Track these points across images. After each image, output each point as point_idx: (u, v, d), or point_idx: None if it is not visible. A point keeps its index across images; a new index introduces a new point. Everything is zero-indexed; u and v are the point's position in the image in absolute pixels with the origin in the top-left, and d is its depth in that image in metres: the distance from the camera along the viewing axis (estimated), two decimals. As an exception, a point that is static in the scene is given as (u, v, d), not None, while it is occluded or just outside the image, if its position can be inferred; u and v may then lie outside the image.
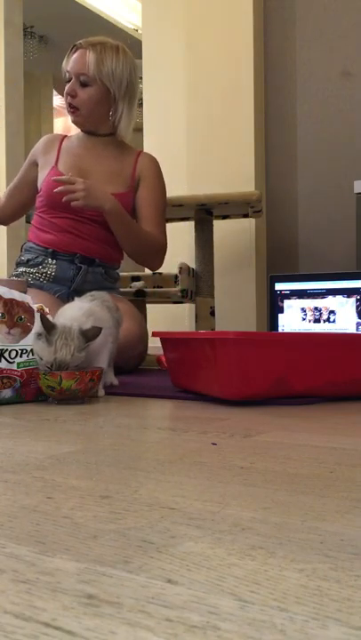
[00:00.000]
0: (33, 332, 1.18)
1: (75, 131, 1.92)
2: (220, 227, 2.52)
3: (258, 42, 2.63)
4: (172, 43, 2.75)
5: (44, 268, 1.82)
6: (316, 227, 2.59)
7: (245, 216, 2.41)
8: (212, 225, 2.37)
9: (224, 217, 2.45)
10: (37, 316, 1.20)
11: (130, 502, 0.48)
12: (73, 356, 1.10)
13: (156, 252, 1.84)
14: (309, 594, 0.31)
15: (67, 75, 1.78)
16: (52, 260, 1.81)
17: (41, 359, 1.11)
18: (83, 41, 1.77)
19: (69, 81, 1.77)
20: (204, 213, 2.33)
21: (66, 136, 1.93)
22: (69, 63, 1.77)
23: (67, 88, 1.77)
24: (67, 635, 0.27)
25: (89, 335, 1.12)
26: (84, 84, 1.76)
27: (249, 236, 2.59)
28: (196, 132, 2.68)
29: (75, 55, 1.77)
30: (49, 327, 1.10)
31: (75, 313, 1.18)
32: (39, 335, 1.11)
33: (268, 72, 2.68)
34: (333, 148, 2.55)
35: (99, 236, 1.82)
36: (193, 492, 0.51)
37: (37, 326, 1.17)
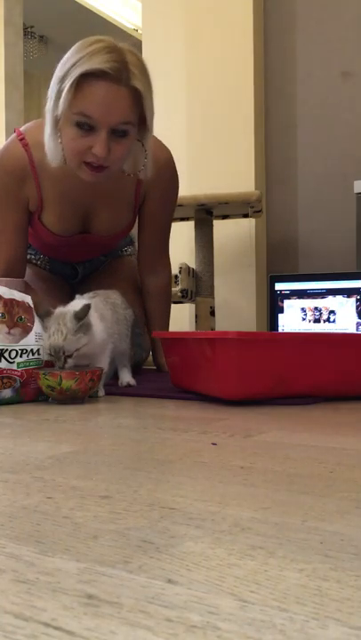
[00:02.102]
0: (33, 331, 1.18)
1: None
2: (220, 227, 2.52)
3: (258, 42, 2.63)
4: (172, 43, 2.75)
5: (36, 260, 1.65)
6: (316, 227, 2.59)
7: (245, 216, 2.41)
8: (211, 225, 2.37)
9: (224, 217, 2.45)
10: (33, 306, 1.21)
11: (130, 502, 0.48)
12: (66, 339, 1.09)
13: (170, 286, 1.72)
14: (309, 594, 0.31)
15: (83, 119, 1.20)
16: (45, 257, 1.63)
17: (44, 347, 1.13)
18: (109, 68, 1.17)
19: (88, 129, 1.21)
20: (203, 213, 2.33)
21: (31, 157, 1.37)
22: (91, 103, 1.18)
23: (94, 144, 1.21)
24: (67, 635, 0.27)
25: (80, 315, 1.12)
26: (122, 135, 1.24)
27: (249, 236, 2.59)
28: (196, 132, 2.68)
29: (99, 91, 1.18)
30: (44, 314, 1.12)
31: (76, 309, 1.18)
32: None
33: (268, 72, 2.68)
34: (333, 149, 2.55)
35: (102, 248, 1.62)
36: (193, 492, 0.51)
37: (38, 327, 1.18)
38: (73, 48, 1.20)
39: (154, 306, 1.67)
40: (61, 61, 1.21)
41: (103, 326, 1.19)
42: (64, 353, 1.11)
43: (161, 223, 1.57)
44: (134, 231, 1.67)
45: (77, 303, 1.20)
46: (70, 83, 1.16)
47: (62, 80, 1.19)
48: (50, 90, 1.24)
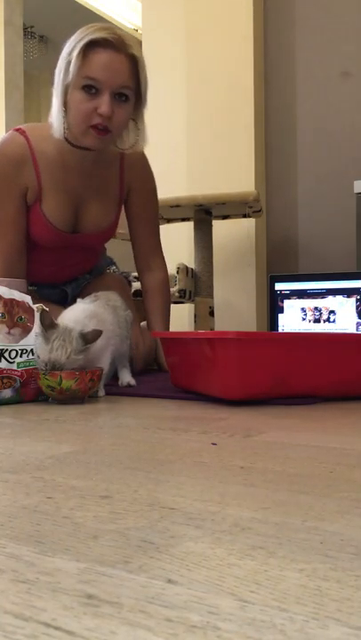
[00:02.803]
0: (33, 331, 1.18)
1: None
2: (220, 227, 2.52)
3: (258, 42, 2.63)
4: (172, 43, 2.75)
5: None
6: (316, 227, 2.59)
7: (245, 216, 2.41)
8: (211, 225, 2.37)
9: (224, 217, 2.45)
10: (38, 316, 1.20)
11: (130, 502, 0.48)
12: (69, 358, 1.09)
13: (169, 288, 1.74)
14: (309, 594, 0.31)
15: (90, 82, 1.32)
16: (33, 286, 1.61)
17: (38, 357, 1.11)
18: (112, 38, 1.32)
19: (94, 92, 1.33)
20: (203, 214, 2.33)
21: (30, 145, 1.46)
22: (97, 68, 1.31)
23: (99, 105, 1.33)
24: (67, 635, 0.27)
25: (88, 338, 1.11)
26: (123, 99, 1.37)
27: (249, 236, 2.59)
28: (196, 132, 2.68)
29: (103, 57, 1.32)
30: (47, 325, 1.10)
31: (77, 315, 1.17)
32: (40, 333, 1.12)
33: (268, 72, 2.68)
34: (333, 149, 2.55)
35: (86, 257, 1.64)
36: (193, 492, 0.51)
37: (38, 326, 1.17)
38: (76, 32, 1.35)
39: (153, 303, 1.68)
40: (67, 43, 1.35)
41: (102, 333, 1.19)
42: (61, 369, 1.10)
43: (149, 216, 1.65)
44: (114, 253, 1.76)
45: (80, 309, 1.20)
46: (78, 51, 1.30)
47: (70, 53, 1.32)
48: (58, 66, 1.36)
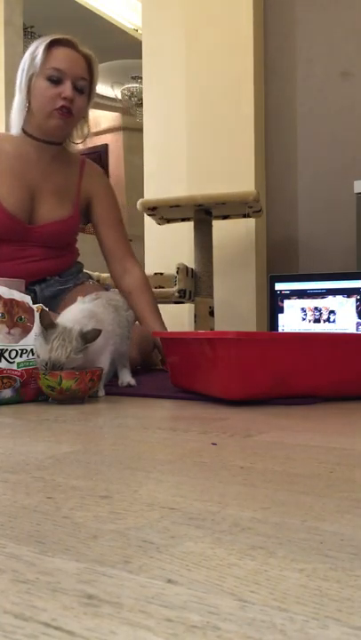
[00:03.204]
0: (33, 331, 1.18)
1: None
2: (220, 227, 2.52)
3: (258, 41, 2.63)
4: (172, 43, 2.75)
5: None
6: (316, 227, 2.59)
7: (245, 216, 2.41)
8: (211, 225, 2.37)
9: (224, 217, 2.45)
10: (38, 316, 1.20)
11: (130, 502, 0.48)
12: (68, 357, 1.09)
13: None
14: (309, 594, 0.31)
15: (55, 73, 1.55)
16: None
17: (38, 357, 1.11)
18: (70, 39, 1.58)
19: (57, 80, 1.55)
20: (202, 214, 2.33)
21: None
22: (60, 60, 1.55)
23: (62, 90, 1.55)
24: (67, 635, 0.27)
25: (88, 337, 1.12)
26: (80, 91, 1.59)
27: (249, 236, 2.59)
28: (196, 132, 2.68)
29: (64, 53, 1.56)
30: (47, 325, 1.10)
31: (76, 315, 1.18)
32: (40, 333, 1.12)
33: (268, 72, 2.68)
34: (333, 148, 2.55)
35: (47, 255, 1.67)
36: (193, 492, 0.51)
37: (38, 326, 1.17)
38: (37, 40, 1.60)
39: (141, 301, 1.73)
40: (30, 48, 1.60)
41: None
42: (61, 368, 1.10)
43: (116, 220, 1.78)
44: (90, 268, 1.82)
45: (78, 309, 1.20)
46: (43, 47, 1.55)
47: (34, 51, 1.57)
48: (21, 67, 1.60)
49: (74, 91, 1.57)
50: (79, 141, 1.72)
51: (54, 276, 1.72)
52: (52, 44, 1.56)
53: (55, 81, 1.56)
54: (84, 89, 1.60)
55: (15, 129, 1.62)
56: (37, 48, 1.57)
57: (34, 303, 1.67)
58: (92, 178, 1.74)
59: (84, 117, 1.68)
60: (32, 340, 1.18)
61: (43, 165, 1.65)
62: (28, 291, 1.66)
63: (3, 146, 1.63)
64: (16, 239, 1.60)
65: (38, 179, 1.63)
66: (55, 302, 1.70)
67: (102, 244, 1.77)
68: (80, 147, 1.78)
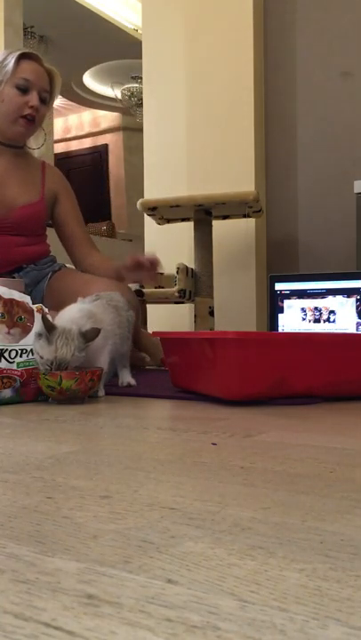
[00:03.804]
0: (33, 331, 1.18)
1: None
2: (220, 227, 2.52)
3: (258, 42, 2.63)
4: (172, 43, 2.75)
5: None
6: (316, 227, 2.59)
7: (245, 216, 2.41)
8: (211, 225, 2.37)
9: (224, 217, 2.45)
10: (37, 316, 1.20)
11: (130, 502, 0.48)
12: (73, 355, 1.11)
13: None
14: (309, 594, 0.31)
15: (24, 82, 1.71)
16: None
17: (41, 357, 1.11)
18: (36, 55, 1.75)
19: (25, 89, 1.72)
20: (202, 214, 2.33)
21: None
22: (29, 72, 1.72)
23: (30, 99, 1.71)
24: (67, 635, 0.27)
25: (88, 336, 1.13)
26: (43, 101, 1.75)
27: (249, 236, 2.59)
28: (196, 132, 2.68)
29: (33, 66, 1.73)
30: (50, 327, 1.11)
31: (73, 315, 1.18)
32: (39, 335, 1.12)
33: (268, 72, 2.68)
34: (333, 148, 2.55)
35: (21, 242, 1.79)
36: (193, 492, 0.51)
37: (37, 326, 1.17)
38: (2, 52, 1.77)
39: (109, 262, 1.84)
40: None
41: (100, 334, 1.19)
42: (66, 368, 1.11)
43: (79, 217, 1.93)
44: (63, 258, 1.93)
45: (76, 309, 1.20)
46: (14, 59, 1.71)
47: (4, 61, 1.72)
48: None
49: (38, 99, 1.74)
50: (35, 147, 1.90)
51: (30, 264, 1.84)
52: (21, 57, 1.74)
53: (23, 90, 1.72)
54: (46, 100, 1.77)
55: None
56: (7, 59, 1.73)
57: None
58: (55, 177, 1.89)
59: (42, 127, 1.86)
60: (32, 339, 1.18)
61: (4, 163, 1.80)
62: (6, 275, 1.79)
63: None
64: None
65: (3, 172, 1.78)
66: (37, 289, 1.83)
67: (70, 238, 1.89)
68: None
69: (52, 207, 1.89)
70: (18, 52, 1.74)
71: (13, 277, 1.77)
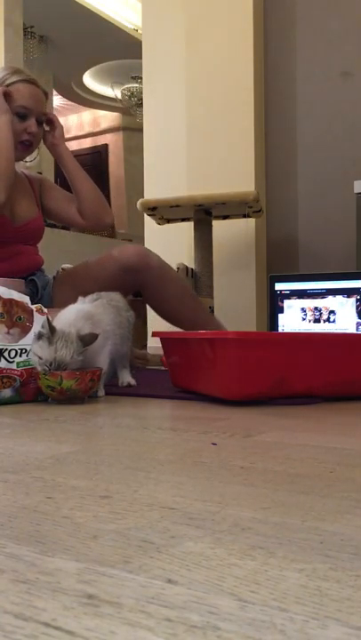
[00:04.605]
0: (32, 331, 1.18)
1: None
2: (220, 227, 2.52)
3: (258, 42, 2.63)
4: (172, 43, 2.75)
5: None
6: (316, 227, 2.59)
7: (245, 216, 2.41)
8: (211, 225, 2.37)
9: (224, 217, 2.45)
10: (37, 316, 1.20)
11: (130, 502, 0.48)
12: (72, 357, 1.11)
13: (104, 198, 1.94)
14: (309, 594, 0.31)
15: (23, 110, 1.74)
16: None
17: (40, 358, 1.11)
18: (31, 78, 1.78)
19: (24, 116, 1.75)
20: (202, 214, 2.33)
21: None
22: (28, 99, 1.74)
23: (28, 126, 1.75)
24: (67, 635, 0.27)
25: (86, 340, 1.14)
26: (40, 123, 1.79)
27: (249, 236, 2.59)
28: (196, 132, 2.68)
29: (29, 90, 1.75)
30: (52, 329, 1.11)
31: (72, 316, 1.18)
32: (39, 335, 1.12)
33: (268, 72, 2.68)
34: (333, 148, 2.55)
35: (31, 251, 1.86)
36: (193, 492, 0.51)
37: (37, 327, 1.18)
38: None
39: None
40: None
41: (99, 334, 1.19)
42: (65, 368, 1.11)
43: (67, 195, 1.98)
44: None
45: (75, 310, 1.20)
46: (10, 82, 1.73)
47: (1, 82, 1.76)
48: None
49: (36, 125, 1.79)
50: (29, 161, 1.96)
51: (39, 271, 1.91)
52: (18, 82, 1.76)
53: (22, 117, 1.76)
54: (42, 122, 1.82)
55: None
56: (3, 83, 1.75)
57: (36, 293, 1.80)
58: (34, 178, 1.97)
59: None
60: (31, 339, 1.18)
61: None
62: (28, 281, 1.84)
63: None
64: (6, 240, 1.78)
65: (11, 192, 1.82)
66: (45, 292, 1.89)
67: (69, 215, 1.94)
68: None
69: (43, 202, 1.95)
70: (15, 77, 1.75)
71: (33, 280, 1.84)
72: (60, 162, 1.87)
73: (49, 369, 1.11)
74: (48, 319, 1.13)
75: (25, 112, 1.75)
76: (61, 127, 1.86)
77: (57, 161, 1.89)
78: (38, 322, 1.20)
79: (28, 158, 1.93)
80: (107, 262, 1.81)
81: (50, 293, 1.88)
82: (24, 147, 1.79)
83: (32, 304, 1.24)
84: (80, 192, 1.86)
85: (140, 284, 1.81)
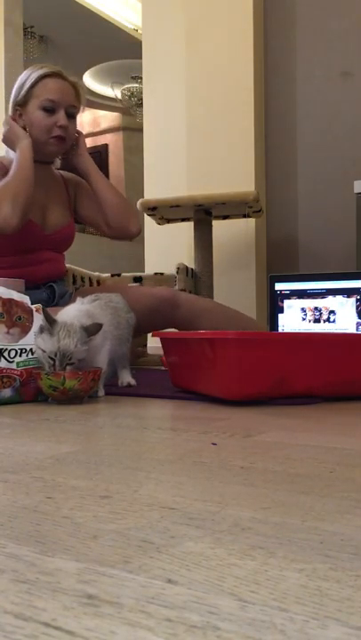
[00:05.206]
0: (32, 331, 1.18)
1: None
2: (220, 227, 2.52)
3: (258, 42, 2.63)
4: (172, 43, 2.75)
5: None
6: (316, 227, 2.59)
7: (245, 216, 2.41)
8: (211, 225, 2.37)
9: (224, 217, 2.45)
10: (37, 315, 1.20)
11: (130, 502, 0.48)
12: (76, 347, 1.11)
13: (131, 207, 1.87)
14: (309, 594, 0.31)
15: (49, 103, 1.69)
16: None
17: (43, 351, 1.11)
18: (58, 71, 1.72)
19: (51, 110, 1.70)
20: (202, 214, 2.33)
21: (4, 165, 1.76)
22: (53, 92, 1.70)
23: (58, 119, 1.70)
24: (67, 635, 0.26)
25: (90, 330, 1.13)
26: (72, 116, 1.74)
27: (249, 236, 2.59)
28: (196, 132, 2.68)
29: (56, 84, 1.71)
30: (51, 321, 1.12)
31: (72, 314, 1.18)
32: (41, 329, 1.12)
33: (268, 72, 2.68)
34: (333, 149, 2.55)
35: (58, 258, 1.84)
36: (193, 492, 0.51)
37: (37, 326, 1.18)
38: (26, 70, 1.75)
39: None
40: (19, 79, 1.75)
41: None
42: (70, 359, 1.11)
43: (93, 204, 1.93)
44: (90, 267, 1.89)
45: (74, 309, 1.21)
46: (35, 79, 1.70)
47: (25, 82, 1.72)
48: (12, 94, 1.76)
49: (67, 117, 1.72)
50: (65, 157, 1.88)
51: (59, 279, 1.88)
52: (43, 77, 1.71)
53: (50, 110, 1.70)
54: (75, 114, 1.76)
55: (10, 152, 1.76)
56: (27, 80, 1.71)
57: (52, 299, 1.80)
58: (71, 181, 1.90)
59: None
60: (31, 339, 1.18)
61: (43, 184, 1.79)
62: (46, 287, 1.84)
63: None
64: (34, 247, 1.76)
65: (43, 196, 1.79)
66: (63, 300, 1.86)
67: (99, 221, 1.88)
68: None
69: (76, 206, 1.91)
70: (38, 73, 1.71)
71: (51, 287, 1.82)
72: (84, 173, 1.81)
73: (54, 362, 1.11)
74: (46, 311, 1.12)
75: (52, 105, 1.70)
76: (83, 136, 1.82)
77: (80, 172, 1.82)
78: (38, 322, 1.20)
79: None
80: (140, 295, 1.78)
81: (67, 302, 1.86)
82: (57, 141, 1.72)
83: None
84: (104, 201, 1.80)
85: (172, 322, 1.80)
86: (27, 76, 1.73)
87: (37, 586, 0.32)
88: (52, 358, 1.11)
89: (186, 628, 0.27)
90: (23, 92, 1.72)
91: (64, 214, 1.84)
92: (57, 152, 1.76)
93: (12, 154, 1.74)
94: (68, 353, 1.10)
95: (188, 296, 1.82)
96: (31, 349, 1.17)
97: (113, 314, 1.29)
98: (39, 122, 1.71)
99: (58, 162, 1.88)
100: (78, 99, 1.77)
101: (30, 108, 1.72)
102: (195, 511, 0.45)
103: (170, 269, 2.29)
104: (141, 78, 3.26)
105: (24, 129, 1.72)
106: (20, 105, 1.73)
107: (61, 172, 1.91)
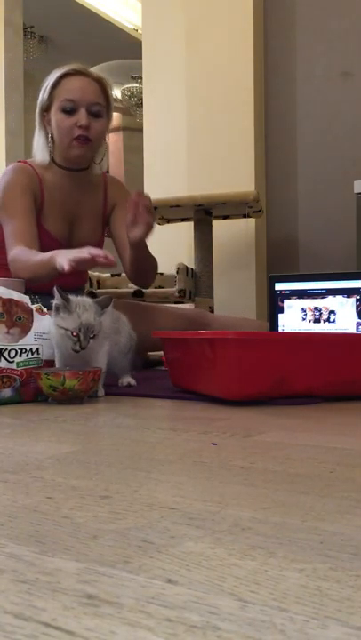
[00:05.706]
0: (32, 331, 1.18)
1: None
2: (220, 227, 2.52)
3: (258, 42, 2.63)
4: (172, 43, 2.75)
5: None
6: (316, 227, 2.59)
7: (245, 216, 2.41)
8: (211, 225, 2.36)
9: (224, 217, 2.45)
10: (37, 315, 1.20)
11: (130, 502, 0.48)
12: (95, 319, 1.14)
13: (156, 269, 1.78)
14: (309, 594, 0.31)
15: (67, 104, 1.59)
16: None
17: (66, 330, 1.13)
18: (79, 68, 1.63)
19: (71, 110, 1.59)
20: (202, 214, 2.33)
21: (36, 171, 1.67)
22: (72, 91, 1.59)
23: (78, 119, 1.59)
24: (67, 635, 0.26)
25: (102, 303, 1.17)
26: (96, 115, 1.61)
27: (249, 236, 2.59)
28: (196, 132, 2.68)
29: (75, 83, 1.60)
30: (67, 299, 1.14)
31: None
32: (57, 308, 1.14)
33: (268, 72, 2.68)
34: (333, 149, 2.55)
35: (76, 272, 1.77)
36: (193, 492, 0.51)
37: (37, 326, 1.18)
38: (51, 73, 1.66)
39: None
40: (43, 83, 1.66)
41: None
42: (93, 333, 1.13)
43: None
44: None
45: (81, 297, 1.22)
46: (53, 81, 1.61)
47: (47, 85, 1.64)
48: (39, 98, 1.67)
49: (89, 117, 1.60)
50: (97, 162, 1.74)
51: (79, 289, 1.84)
52: (61, 77, 1.62)
53: (69, 111, 1.60)
54: (100, 113, 1.63)
55: (42, 158, 1.67)
56: (48, 82, 1.63)
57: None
58: (114, 192, 1.78)
59: (104, 139, 1.71)
60: (31, 339, 1.18)
61: (75, 194, 1.71)
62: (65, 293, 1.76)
63: (45, 175, 1.68)
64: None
65: (74, 207, 1.71)
66: None
67: (121, 242, 1.76)
68: None
69: (109, 219, 1.80)
70: (58, 72, 1.62)
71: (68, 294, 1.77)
72: (134, 250, 1.62)
73: (78, 337, 1.12)
74: (60, 290, 1.14)
75: (70, 105, 1.59)
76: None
77: (131, 248, 1.62)
78: (38, 322, 1.20)
79: (96, 159, 1.71)
80: (168, 317, 1.77)
81: None
82: (80, 142, 1.60)
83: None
84: (135, 265, 1.67)
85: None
86: (48, 79, 1.64)
87: (37, 586, 0.32)
88: (75, 335, 1.12)
89: (186, 627, 0.27)
90: (46, 96, 1.63)
91: (95, 230, 1.74)
92: (83, 155, 1.63)
93: (39, 157, 1.66)
94: (91, 327, 1.13)
95: (215, 315, 1.80)
96: (31, 349, 1.17)
97: (114, 320, 1.31)
98: (59, 124, 1.61)
99: (105, 164, 1.75)
100: (105, 96, 1.65)
101: (53, 111, 1.62)
102: (195, 511, 0.45)
103: (170, 269, 2.29)
104: (141, 78, 3.26)
105: (50, 136, 1.64)
106: (46, 110, 1.64)
107: (108, 175, 1.79)
